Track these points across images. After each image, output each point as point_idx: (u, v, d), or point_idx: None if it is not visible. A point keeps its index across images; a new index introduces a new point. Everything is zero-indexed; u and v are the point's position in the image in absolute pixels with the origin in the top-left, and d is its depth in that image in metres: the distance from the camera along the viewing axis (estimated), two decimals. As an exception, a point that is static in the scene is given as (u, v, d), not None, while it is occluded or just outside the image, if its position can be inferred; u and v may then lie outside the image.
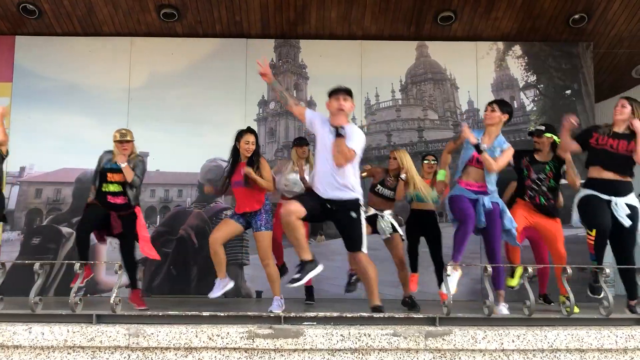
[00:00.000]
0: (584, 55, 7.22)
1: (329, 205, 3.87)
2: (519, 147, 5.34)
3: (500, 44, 7.30)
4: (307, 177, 5.34)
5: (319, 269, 3.74)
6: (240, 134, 4.76)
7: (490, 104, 4.62)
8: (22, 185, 6.89)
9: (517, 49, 7.32)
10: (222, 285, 4.70)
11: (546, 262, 5.29)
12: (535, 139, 5.11)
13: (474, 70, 7.24)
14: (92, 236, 5.27)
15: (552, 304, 5.54)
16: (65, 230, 6.72)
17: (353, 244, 3.85)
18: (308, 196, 4.01)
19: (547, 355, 3.15)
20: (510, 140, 6.91)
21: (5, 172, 6.27)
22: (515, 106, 7.22)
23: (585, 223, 4.53)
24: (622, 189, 4.44)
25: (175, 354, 3.05)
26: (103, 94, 7.05)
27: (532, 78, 7.30)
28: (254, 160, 4.67)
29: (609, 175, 4.44)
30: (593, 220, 4.42)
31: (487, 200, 4.36)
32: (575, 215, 4.63)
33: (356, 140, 3.87)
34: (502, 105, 4.59)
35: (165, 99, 6.95)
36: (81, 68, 7.07)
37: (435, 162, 5.66)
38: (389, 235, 5.14)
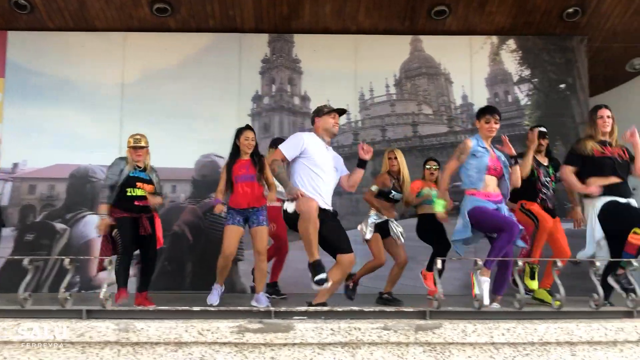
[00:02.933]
0: (578, 49, 7.22)
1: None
2: (514, 143, 5.35)
3: (495, 38, 7.29)
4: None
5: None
6: (239, 131, 4.93)
7: (495, 114, 4.29)
8: (15, 182, 6.86)
9: (511, 43, 7.31)
10: (220, 292, 4.86)
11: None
12: (541, 142, 5.11)
13: (468, 64, 7.24)
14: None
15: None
16: (59, 226, 6.69)
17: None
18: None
19: (537, 348, 3.14)
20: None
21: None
22: (510, 100, 7.23)
23: (623, 226, 4.20)
24: (629, 192, 4.42)
25: (165, 349, 3.03)
26: (96, 90, 7.03)
27: (526, 72, 7.29)
28: (255, 157, 4.85)
29: (616, 180, 4.34)
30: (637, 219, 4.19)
31: (506, 209, 4.24)
32: (599, 232, 4.30)
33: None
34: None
35: (159, 94, 6.93)
36: (74, 63, 7.05)
37: (437, 168, 5.62)
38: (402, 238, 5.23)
